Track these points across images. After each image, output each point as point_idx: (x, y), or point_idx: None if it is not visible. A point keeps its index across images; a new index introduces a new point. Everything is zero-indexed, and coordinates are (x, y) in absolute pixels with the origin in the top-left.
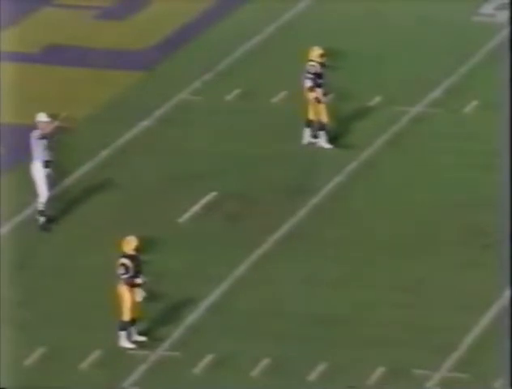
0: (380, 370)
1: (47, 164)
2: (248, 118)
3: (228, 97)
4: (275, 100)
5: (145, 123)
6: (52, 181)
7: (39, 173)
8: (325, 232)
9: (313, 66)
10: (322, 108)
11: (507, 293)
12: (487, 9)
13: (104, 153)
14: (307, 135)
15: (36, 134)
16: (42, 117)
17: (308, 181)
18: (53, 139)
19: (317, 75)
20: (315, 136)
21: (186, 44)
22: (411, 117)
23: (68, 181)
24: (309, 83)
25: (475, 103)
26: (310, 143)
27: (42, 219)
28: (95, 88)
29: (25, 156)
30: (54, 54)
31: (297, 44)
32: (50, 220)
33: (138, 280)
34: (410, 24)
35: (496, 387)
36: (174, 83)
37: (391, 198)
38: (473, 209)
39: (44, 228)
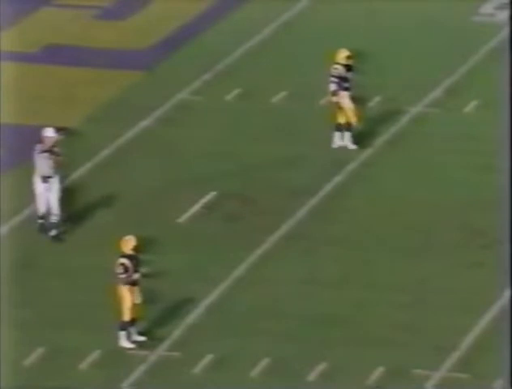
0: (380, 370)
1: (45, 179)
2: (248, 118)
3: (228, 97)
4: (274, 100)
5: (145, 123)
6: (56, 195)
7: (38, 187)
8: (325, 232)
9: (337, 68)
10: (350, 109)
11: (507, 293)
12: (487, 9)
13: (104, 153)
14: (337, 139)
15: (38, 148)
16: (49, 132)
17: (308, 181)
18: (54, 153)
19: (342, 79)
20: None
21: (186, 44)
22: (411, 117)
23: (68, 181)
24: (332, 87)
25: (475, 103)
26: (341, 147)
27: (41, 224)
28: (94, 88)
29: (25, 157)
30: (54, 54)
31: (297, 44)
32: (52, 229)
33: (136, 275)
34: (410, 24)
35: (496, 387)
36: (174, 83)
37: (391, 198)
38: (473, 209)
39: (43, 230)
